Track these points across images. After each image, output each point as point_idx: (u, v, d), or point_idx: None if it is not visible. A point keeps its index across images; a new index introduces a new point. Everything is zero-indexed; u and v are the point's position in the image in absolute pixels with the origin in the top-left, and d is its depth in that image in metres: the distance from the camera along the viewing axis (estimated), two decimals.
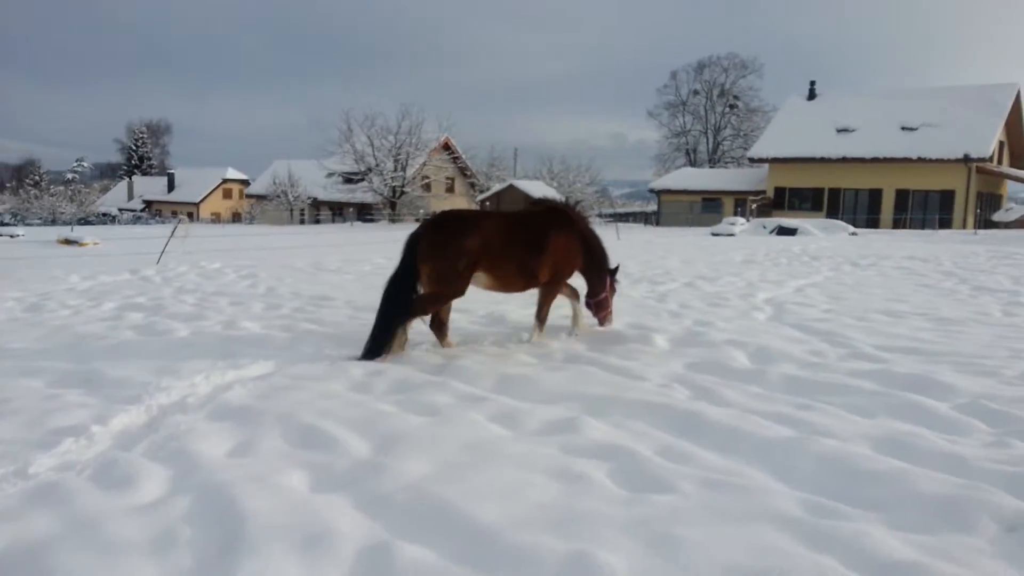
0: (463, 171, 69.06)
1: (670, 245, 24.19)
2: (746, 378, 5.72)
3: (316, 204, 66.55)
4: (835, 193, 46.06)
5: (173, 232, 17.05)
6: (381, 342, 6.48)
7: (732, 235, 30.03)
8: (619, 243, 25.36)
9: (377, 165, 56.38)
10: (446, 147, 66.02)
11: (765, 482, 3.68)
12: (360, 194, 58.46)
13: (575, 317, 7.68)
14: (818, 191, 46.56)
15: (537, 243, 6.91)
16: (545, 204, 7.68)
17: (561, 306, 9.18)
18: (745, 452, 4.07)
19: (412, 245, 6.65)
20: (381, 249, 21.96)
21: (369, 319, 8.63)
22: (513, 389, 5.41)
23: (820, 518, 3.23)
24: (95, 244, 23.65)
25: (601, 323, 7.77)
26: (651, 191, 56.15)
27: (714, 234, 30.77)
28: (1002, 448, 4.04)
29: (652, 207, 60.00)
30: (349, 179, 60.19)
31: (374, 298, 10.17)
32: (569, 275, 7.40)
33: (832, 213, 44.34)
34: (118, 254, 19.94)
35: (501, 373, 5.80)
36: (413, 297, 6.63)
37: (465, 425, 4.53)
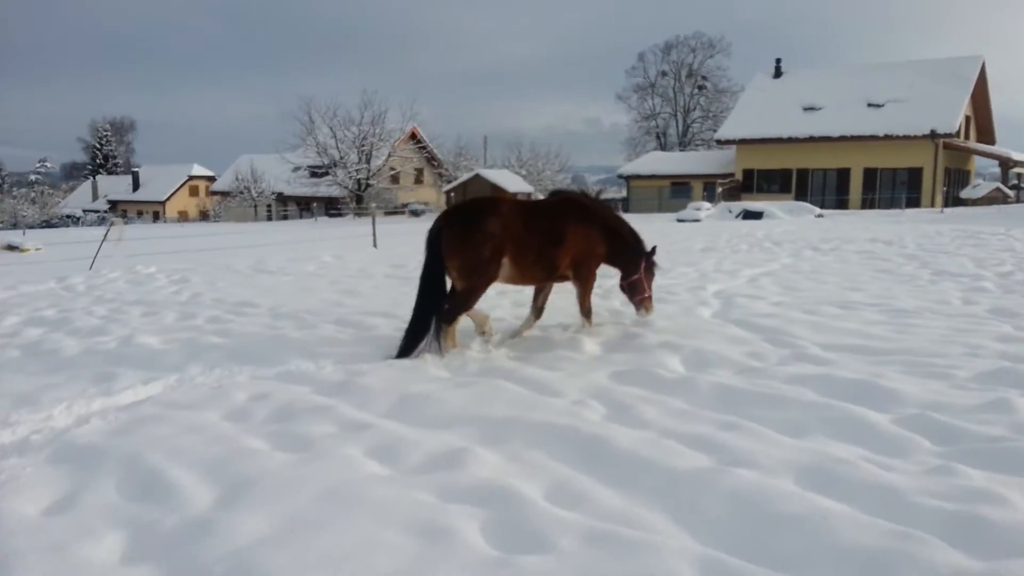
0: (431, 161, 68.18)
1: None
2: (673, 389, 5.14)
3: (283, 199, 65.46)
4: (803, 174, 45.78)
5: (105, 236, 16.23)
6: (415, 339, 6.34)
7: (698, 220, 29.56)
8: None
9: (341, 157, 55.35)
10: (413, 137, 65.14)
11: (663, 531, 3.10)
12: (325, 188, 57.41)
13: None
14: (786, 172, 46.26)
15: (556, 233, 6.76)
16: (562, 195, 7.38)
17: (497, 307, 8.59)
18: (649, 489, 3.50)
19: (434, 239, 6.47)
20: (334, 245, 21.27)
21: (289, 327, 8.04)
22: (408, 412, 4.80)
23: None
24: (36, 250, 22.70)
25: (638, 309, 7.31)
26: (620, 177, 55.62)
27: (680, 220, 30.29)
28: (944, 476, 3.48)
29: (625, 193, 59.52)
30: (316, 172, 59.17)
31: (303, 303, 9.59)
32: (594, 266, 7.20)
33: (801, 195, 44.06)
34: (56, 260, 19.08)
35: (402, 392, 5.19)
36: (447, 292, 6.54)
37: (336, 462, 3.91)
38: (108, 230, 16.55)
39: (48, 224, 66.29)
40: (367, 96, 55.35)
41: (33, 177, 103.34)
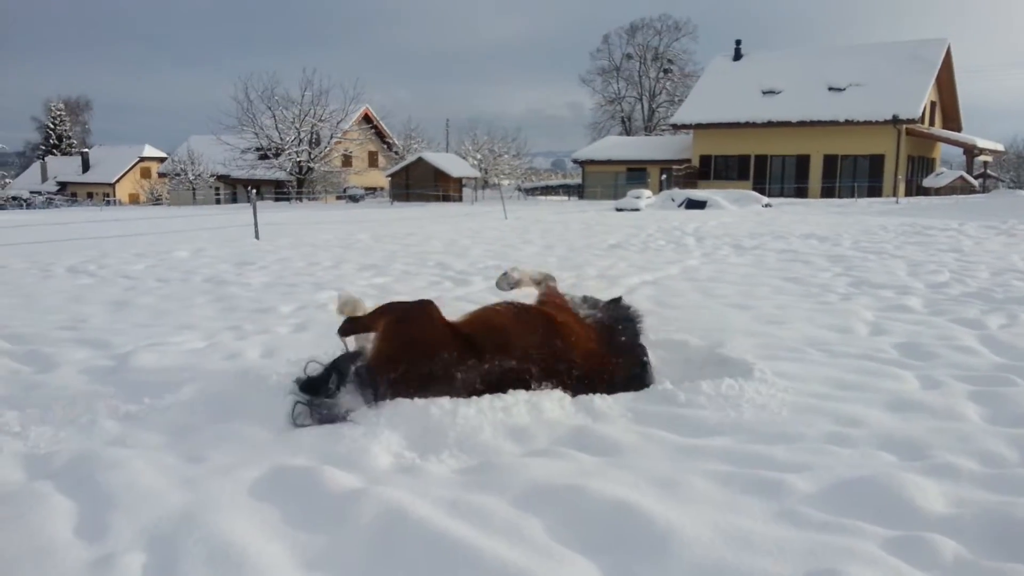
0: (389, 145, 65.72)
1: (556, 224, 21.65)
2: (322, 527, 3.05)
3: (230, 182, 62.61)
4: (761, 160, 44.00)
5: None
6: None
7: (637, 210, 27.52)
8: (505, 223, 22.78)
9: (282, 139, 52.62)
10: (367, 119, 62.64)
11: None
12: (262, 171, 54.51)
13: None
14: (744, 159, 44.46)
15: None
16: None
17: None
18: None
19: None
20: (217, 236, 18.92)
21: None
22: None
23: None
24: None
25: None
26: (575, 162, 53.52)
27: (618, 209, 28.21)
28: None
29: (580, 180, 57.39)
30: (265, 156, 56.39)
31: (35, 321, 6.86)
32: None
33: (759, 182, 42.30)
34: None
35: None
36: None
37: None
38: None
39: None
40: (307, 75, 52.72)
41: None
